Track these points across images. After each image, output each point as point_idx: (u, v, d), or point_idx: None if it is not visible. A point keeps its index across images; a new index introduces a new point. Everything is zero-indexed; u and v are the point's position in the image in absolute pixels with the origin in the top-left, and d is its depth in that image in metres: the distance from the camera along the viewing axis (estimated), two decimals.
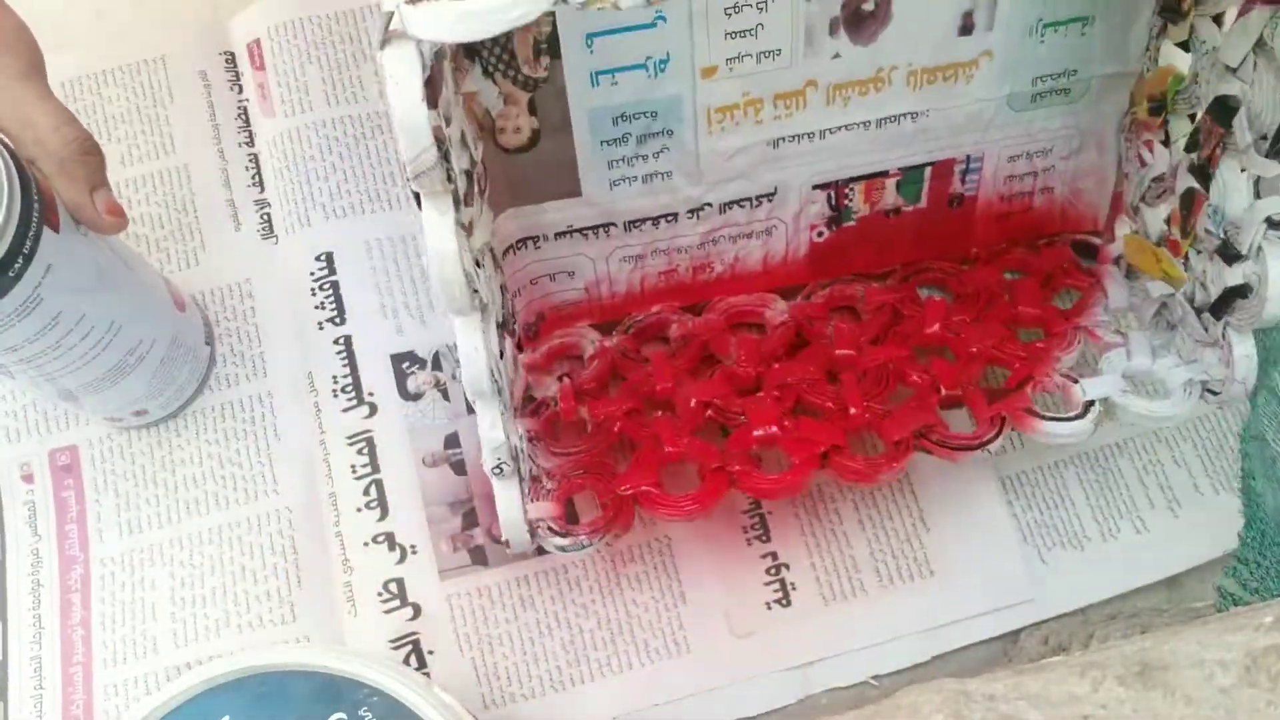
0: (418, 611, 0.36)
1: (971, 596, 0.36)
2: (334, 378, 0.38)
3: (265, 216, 0.41)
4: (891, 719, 0.25)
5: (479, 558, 0.37)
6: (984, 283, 0.37)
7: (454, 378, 0.38)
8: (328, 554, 0.37)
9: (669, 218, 0.36)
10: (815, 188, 0.36)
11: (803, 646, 0.36)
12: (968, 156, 0.36)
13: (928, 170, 0.37)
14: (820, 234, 0.38)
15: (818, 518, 0.38)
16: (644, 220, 0.36)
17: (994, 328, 0.36)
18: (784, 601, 0.37)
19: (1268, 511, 0.29)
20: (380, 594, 0.36)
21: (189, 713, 0.31)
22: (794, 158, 0.35)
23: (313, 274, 0.39)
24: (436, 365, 0.38)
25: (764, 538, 0.38)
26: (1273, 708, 0.22)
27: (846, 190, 0.37)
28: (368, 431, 0.38)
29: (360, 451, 0.38)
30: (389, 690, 0.31)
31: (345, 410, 0.38)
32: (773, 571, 0.37)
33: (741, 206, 0.36)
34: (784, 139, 0.34)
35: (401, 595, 0.36)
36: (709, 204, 0.36)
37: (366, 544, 0.37)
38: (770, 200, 0.36)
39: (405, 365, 0.38)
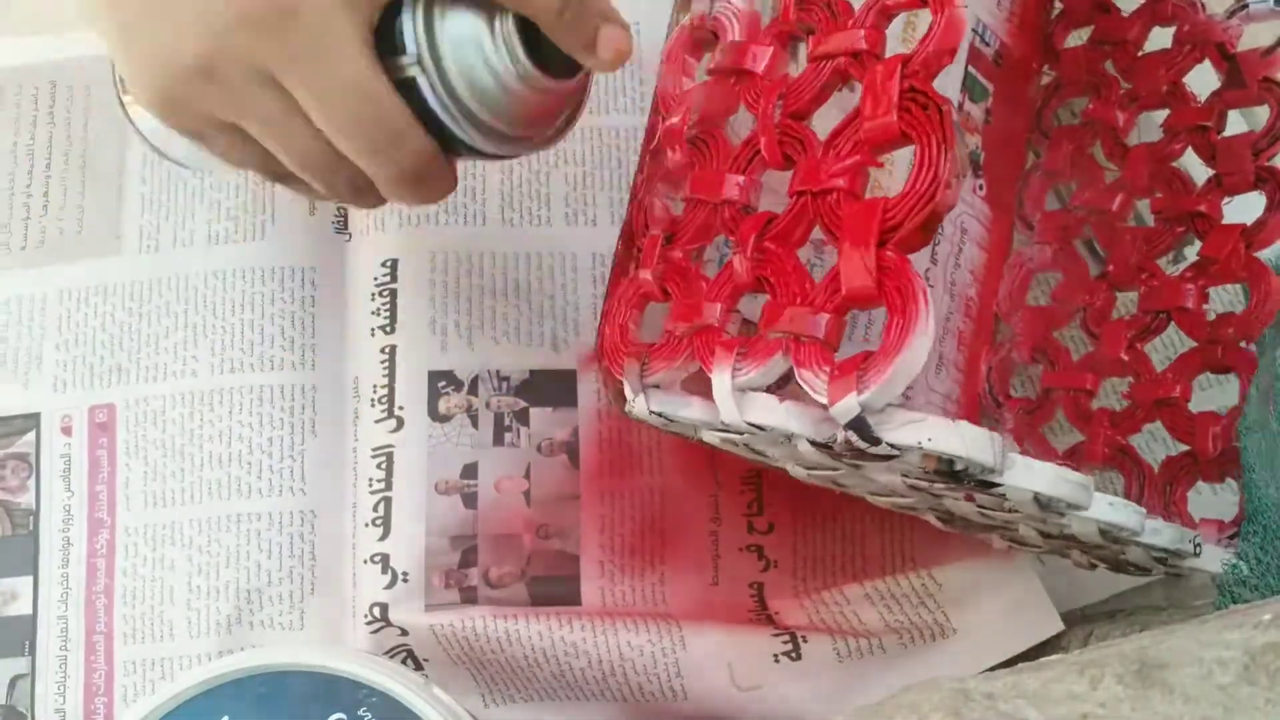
0: (405, 632, 0.36)
1: (1002, 643, 0.36)
2: (374, 386, 0.38)
3: (341, 211, 0.41)
4: (891, 718, 0.25)
5: (469, 597, 0.37)
6: None
7: (487, 406, 0.38)
8: (341, 565, 0.37)
9: None
10: None
11: (814, 703, 0.35)
12: None
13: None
14: (981, 186, 0.40)
15: (824, 603, 0.37)
16: None
17: None
18: (794, 655, 0.36)
19: (1269, 505, 0.29)
20: (365, 615, 0.36)
21: (188, 713, 0.31)
22: None
23: (376, 279, 0.39)
24: (473, 390, 0.38)
25: (768, 620, 0.37)
26: (1271, 705, 0.22)
27: None
28: (390, 446, 0.38)
29: (380, 465, 0.38)
30: (388, 690, 0.32)
31: (377, 421, 0.38)
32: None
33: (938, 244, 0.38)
34: None
35: (385, 619, 0.36)
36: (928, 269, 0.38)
37: (365, 561, 0.37)
38: None
39: (441, 385, 0.38)
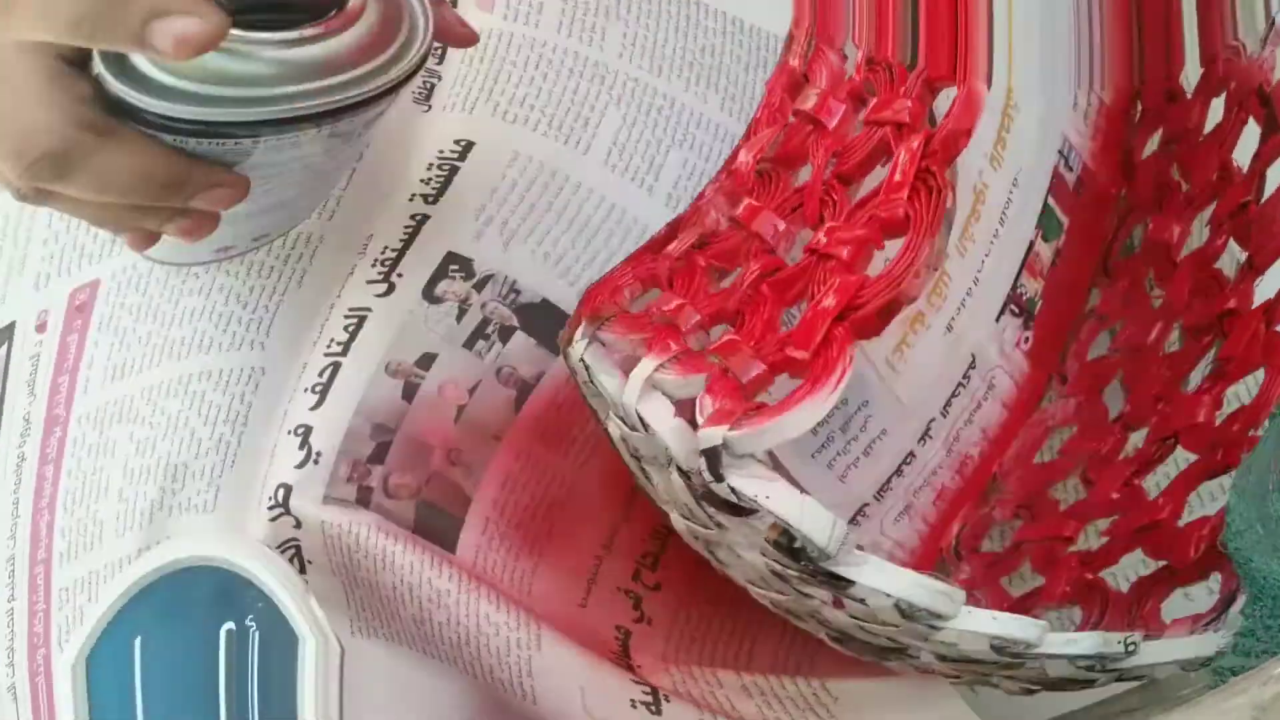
0: (299, 523, 0.34)
1: None
2: (385, 247, 0.37)
3: (428, 85, 0.39)
4: None
5: (363, 498, 0.34)
6: None
7: (482, 307, 0.37)
8: (267, 434, 0.35)
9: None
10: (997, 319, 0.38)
11: None
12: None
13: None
14: (1027, 340, 0.39)
15: (693, 678, 0.35)
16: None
17: None
18: (653, 708, 0.34)
19: (1274, 580, 0.27)
20: (269, 499, 0.34)
21: (107, 648, 0.31)
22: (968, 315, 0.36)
23: (441, 152, 0.38)
24: (480, 286, 0.37)
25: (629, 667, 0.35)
26: None
27: (1018, 290, 0.39)
28: (366, 310, 0.36)
29: (346, 328, 0.36)
30: (274, 596, 0.31)
31: (369, 281, 0.36)
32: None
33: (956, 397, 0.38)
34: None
35: (285, 506, 0.34)
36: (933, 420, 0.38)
37: (289, 432, 0.35)
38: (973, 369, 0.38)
39: (454, 268, 0.37)
